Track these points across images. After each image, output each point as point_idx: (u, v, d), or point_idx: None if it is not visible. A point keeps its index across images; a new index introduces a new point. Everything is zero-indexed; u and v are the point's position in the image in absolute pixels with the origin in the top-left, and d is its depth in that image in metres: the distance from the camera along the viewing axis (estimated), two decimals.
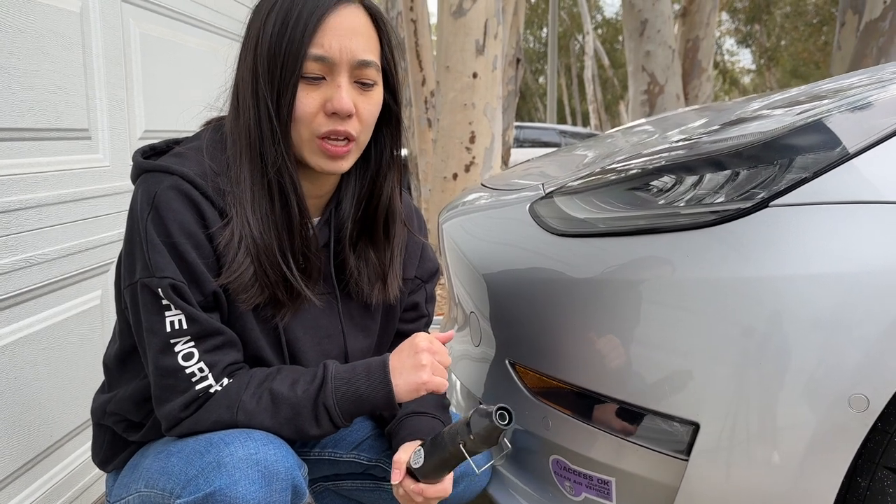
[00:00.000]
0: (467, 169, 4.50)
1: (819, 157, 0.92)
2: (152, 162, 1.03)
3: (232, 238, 1.03)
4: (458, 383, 1.73)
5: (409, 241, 1.28)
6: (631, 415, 1.00)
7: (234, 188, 1.03)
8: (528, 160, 2.04)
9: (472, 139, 4.50)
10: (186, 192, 1.00)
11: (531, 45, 28.05)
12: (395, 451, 1.18)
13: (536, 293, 1.17)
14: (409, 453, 1.09)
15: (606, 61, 23.54)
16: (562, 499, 1.16)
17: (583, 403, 1.07)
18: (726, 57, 27.12)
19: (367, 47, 1.03)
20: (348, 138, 1.03)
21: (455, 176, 4.52)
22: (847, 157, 0.89)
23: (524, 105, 27.93)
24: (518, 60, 7.44)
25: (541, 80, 28.79)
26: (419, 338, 1.05)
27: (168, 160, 1.03)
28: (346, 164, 1.06)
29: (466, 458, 0.99)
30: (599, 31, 25.88)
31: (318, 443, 1.31)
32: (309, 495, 1.42)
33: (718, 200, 0.98)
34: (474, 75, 4.34)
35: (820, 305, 0.83)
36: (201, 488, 0.95)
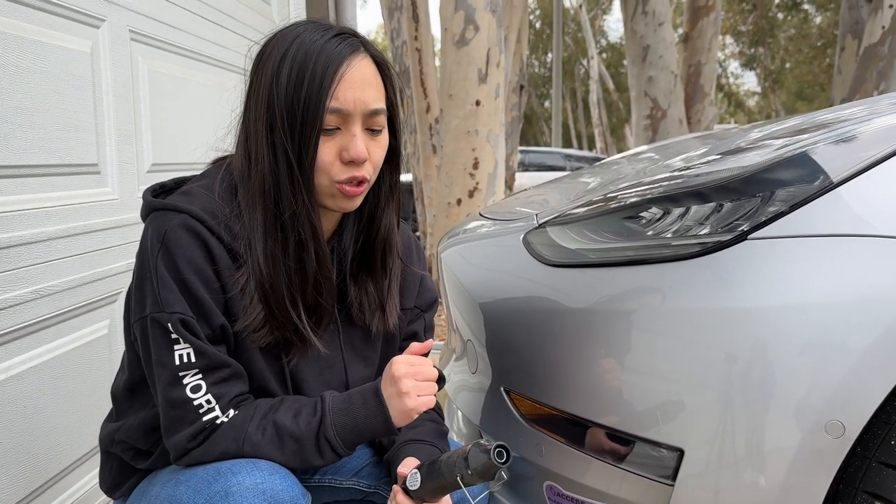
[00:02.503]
0: (471, 195, 4.56)
1: (797, 190, 0.95)
2: (162, 201, 1.08)
3: (245, 282, 1.07)
4: (459, 412, 1.76)
5: (408, 271, 1.32)
6: (620, 441, 1.03)
7: (246, 234, 1.08)
8: (532, 187, 2.09)
9: (476, 165, 4.56)
10: (195, 229, 1.05)
11: (536, 70, 28.30)
12: (393, 480, 1.21)
13: (530, 321, 1.21)
14: (408, 468, 1.12)
15: (611, 85, 23.71)
16: None
17: (574, 430, 1.10)
18: (731, 80, 27.26)
19: (377, 96, 1.07)
20: (362, 180, 1.08)
21: (459, 201, 4.57)
22: (824, 190, 0.92)
23: (530, 129, 28.10)
24: (522, 87, 7.53)
25: (546, 104, 28.98)
26: (395, 365, 1.08)
27: (177, 198, 1.08)
28: (358, 202, 1.12)
29: (462, 489, 1.01)
30: (604, 55, 26.10)
31: (318, 470, 1.34)
32: None
33: (703, 232, 1.01)
34: (477, 103, 4.40)
35: (796, 335, 0.86)
36: None
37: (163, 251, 1.03)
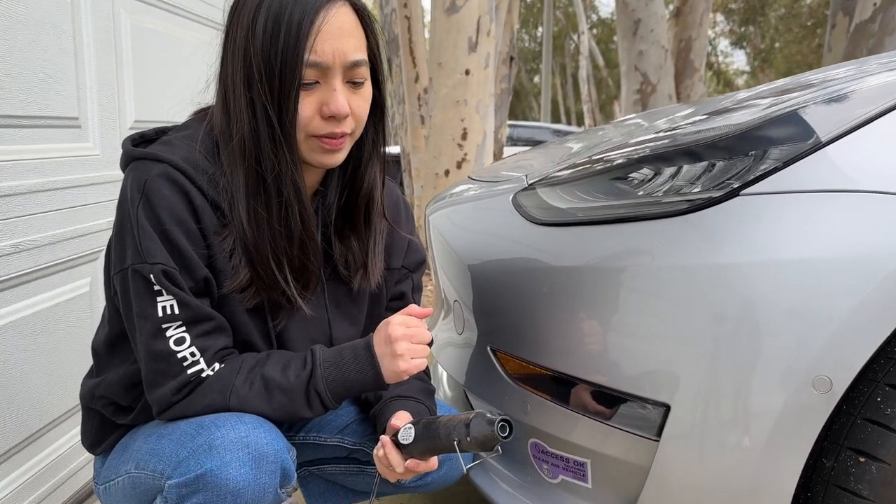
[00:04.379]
0: (459, 165, 4.53)
1: (791, 147, 0.94)
2: (142, 150, 1.05)
3: (232, 243, 1.05)
4: (444, 374, 1.76)
5: (396, 231, 1.30)
6: (606, 398, 1.03)
7: (229, 193, 1.05)
8: (519, 152, 2.07)
9: (465, 136, 4.53)
10: (176, 179, 1.02)
11: (526, 45, 28.08)
12: (379, 433, 1.21)
13: (518, 281, 1.20)
14: (402, 421, 1.11)
15: (601, 61, 23.60)
16: (540, 481, 1.18)
17: (561, 388, 1.10)
18: (720, 58, 27.20)
19: (357, 46, 1.03)
20: (343, 134, 1.05)
21: (447, 172, 4.54)
22: (817, 147, 0.91)
23: (519, 104, 27.98)
24: (512, 59, 7.46)
25: (536, 79, 28.83)
26: (392, 326, 1.07)
27: (158, 148, 1.05)
28: (341, 157, 1.09)
29: (457, 454, 1.01)
30: (594, 30, 25.93)
31: (302, 427, 1.33)
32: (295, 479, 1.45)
33: (695, 191, 1.00)
34: (467, 72, 4.36)
35: (787, 291, 0.86)
36: (192, 470, 0.98)
37: (143, 201, 1.01)
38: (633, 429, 0.99)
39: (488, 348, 1.27)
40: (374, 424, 1.27)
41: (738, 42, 24.11)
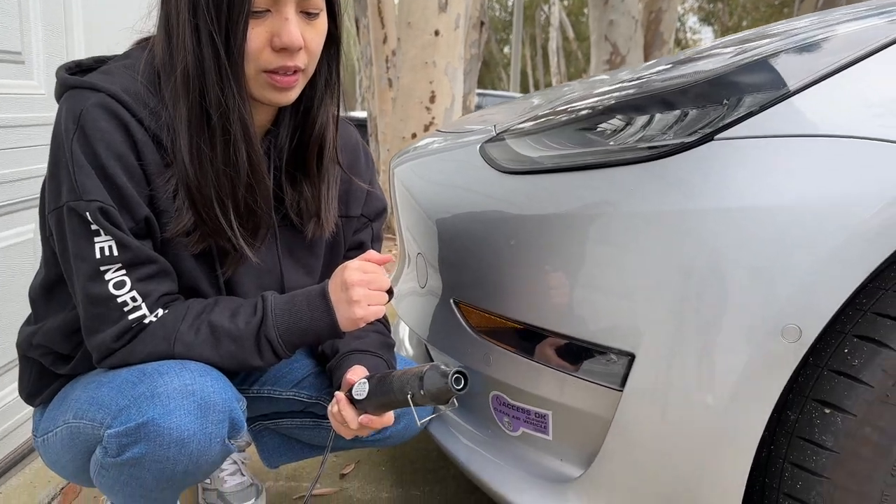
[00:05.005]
0: (426, 129, 4.46)
1: (766, 93, 0.91)
2: (78, 78, 0.97)
3: (173, 184, 0.99)
4: (406, 332, 1.72)
5: (355, 177, 1.25)
6: (570, 348, 1.00)
7: (172, 131, 0.98)
8: (484, 109, 2.02)
9: (433, 99, 4.45)
10: (114, 110, 0.95)
11: (497, 14, 27.82)
12: (335, 388, 1.17)
13: (484, 232, 1.16)
14: (357, 376, 1.07)
15: (571, 34, 23.51)
16: (500, 435, 1.16)
17: (524, 339, 1.07)
18: (689, 34, 27.31)
19: None
20: (296, 69, 0.99)
21: (414, 136, 4.47)
22: (794, 92, 0.88)
23: (488, 74, 27.79)
24: (482, 24, 7.36)
25: (505, 49, 28.63)
26: (348, 271, 1.02)
27: (95, 77, 0.98)
28: (293, 95, 1.02)
29: (410, 408, 0.97)
30: (565, 2, 25.78)
31: (257, 380, 1.29)
32: (247, 432, 1.40)
33: (668, 138, 0.97)
34: (436, 33, 4.27)
35: (759, 236, 0.83)
36: (133, 418, 0.92)
37: (79, 133, 0.94)
38: (596, 379, 0.97)
39: (451, 301, 1.23)
40: (330, 378, 1.23)
41: (706, 19, 24.20)
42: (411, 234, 1.48)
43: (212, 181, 0.99)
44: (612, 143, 1.04)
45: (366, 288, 1.01)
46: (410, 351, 1.59)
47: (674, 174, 0.92)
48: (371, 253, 1.06)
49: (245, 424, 1.05)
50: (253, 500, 1.46)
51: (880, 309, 0.85)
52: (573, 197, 1.02)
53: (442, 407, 1.30)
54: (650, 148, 0.96)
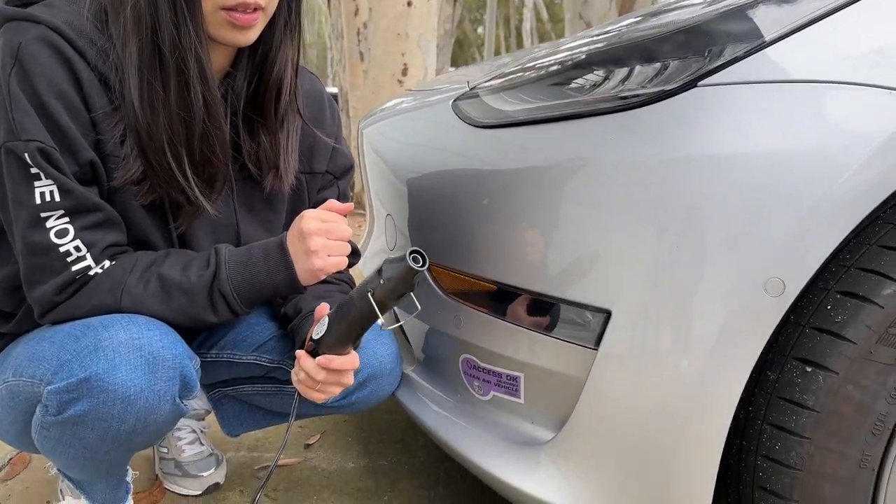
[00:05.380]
0: None
1: (750, 40, 0.87)
2: (18, 9, 0.90)
3: (121, 128, 0.92)
4: None
5: (319, 130, 1.19)
6: (544, 307, 0.96)
7: (120, 70, 0.91)
8: (453, 71, 1.97)
9: (405, 72, 4.38)
10: (56, 45, 0.88)
11: None
12: (298, 348, 1.12)
13: (455, 191, 1.11)
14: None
15: (545, 15, 23.41)
16: (470, 399, 1.12)
17: (496, 299, 1.02)
18: None
19: None
20: (257, 7, 0.93)
21: None
22: (780, 38, 0.84)
23: (462, 55, 27.62)
24: None
25: (479, 30, 28.45)
26: (305, 220, 0.96)
27: (37, 9, 0.90)
28: (253, 35, 0.96)
29: (377, 316, 0.91)
30: None
31: (215, 344, 1.23)
32: (206, 400, 1.35)
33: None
34: (409, 3, 4.19)
35: (742, 185, 0.80)
36: (75, 373, 0.86)
37: (17, 68, 0.86)
38: (571, 338, 0.93)
39: None
40: (293, 341, 1.17)
41: None
42: (380, 196, 1.43)
43: (164, 127, 0.92)
44: (589, 98, 1.00)
45: (324, 237, 0.96)
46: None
47: (654, 123, 0.87)
48: (331, 202, 1.00)
49: (198, 384, 0.99)
50: (212, 469, 1.40)
51: (865, 264, 0.83)
52: (549, 150, 0.97)
53: (404, 315, 1.24)
54: (630, 97, 0.91)
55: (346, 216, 1.01)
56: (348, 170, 1.27)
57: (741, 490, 0.92)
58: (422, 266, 0.88)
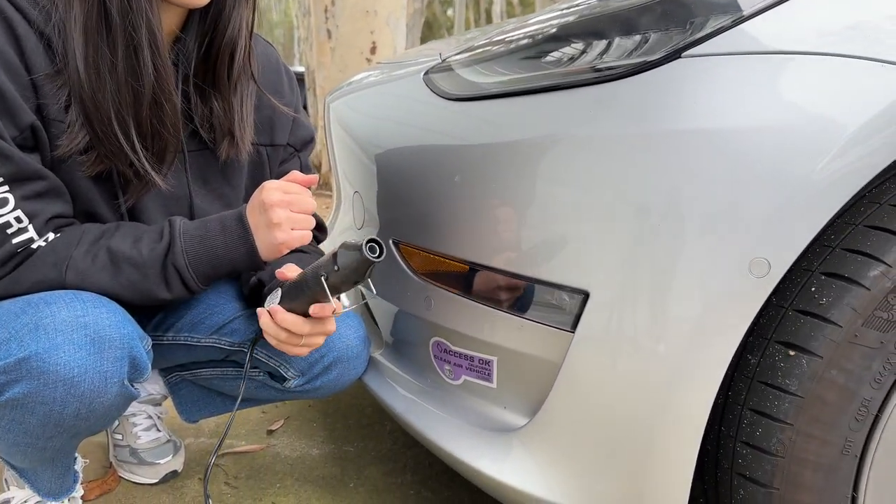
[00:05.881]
0: None
1: (731, 10, 0.83)
2: None
3: (65, 94, 0.85)
4: None
5: (278, 100, 1.14)
6: (518, 287, 0.92)
7: (64, 32, 0.84)
8: (425, 44, 1.91)
9: (374, 50, 4.29)
10: None
11: None
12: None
13: (426, 166, 1.06)
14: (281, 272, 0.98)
15: None
16: (440, 384, 1.07)
17: (469, 280, 0.98)
18: None
19: None
20: None
21: None
22: (768, 7, 0.81)
23: (431, 37, 27.40)
24: None
25: (449, 12, 28.25)
26: (266, 190, 0.91)
27: None
28: None
29: (329, 299, 0.87)
30: None
31: (172, 326, 1.17)
32: (161, 379, 1.29)
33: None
34: None
35: (726, 160, 0.76)
36: (13, 353, 0.80)
37: None
38: (547, 321, 0.89)
39: (390, 241, 1.13)
40: (256, 322, 1.12)
41: None
42: (347, 172, 1.37)
43: (111, 94, 0.86)
44: (567, 69, 0.95)
45: (287, 209, 0.90)
46: (345, 300, 1.49)
47: (636, 95, 0.83)
48: (294, 173, 0.95)
49: (150, 366, 0.93)
50: (170, 457, 1.34)
51: (850, 244, 0.80)
52: (525, 124, 0.93)
53: (363, 291, 1.19)
54: (610, 69, 0.87)
55: (310, 188, 0.96)
56: (309, 142, 1.22)
57: (719, 477, 0.89)
58: (378, 257, 0.84)
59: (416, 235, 1.07)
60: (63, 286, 0.85)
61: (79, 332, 0.80)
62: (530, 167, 0.90)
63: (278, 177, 1.13)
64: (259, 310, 0.96)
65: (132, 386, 0.88)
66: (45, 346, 0.78)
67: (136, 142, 0.89)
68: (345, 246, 0.85)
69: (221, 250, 0.90)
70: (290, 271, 0.96)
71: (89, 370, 0.80)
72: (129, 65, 0.86)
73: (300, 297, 0.91)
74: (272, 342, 0.98)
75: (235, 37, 0.97)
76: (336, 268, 0.85)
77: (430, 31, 26.20)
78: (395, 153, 1.15)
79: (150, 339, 0.93)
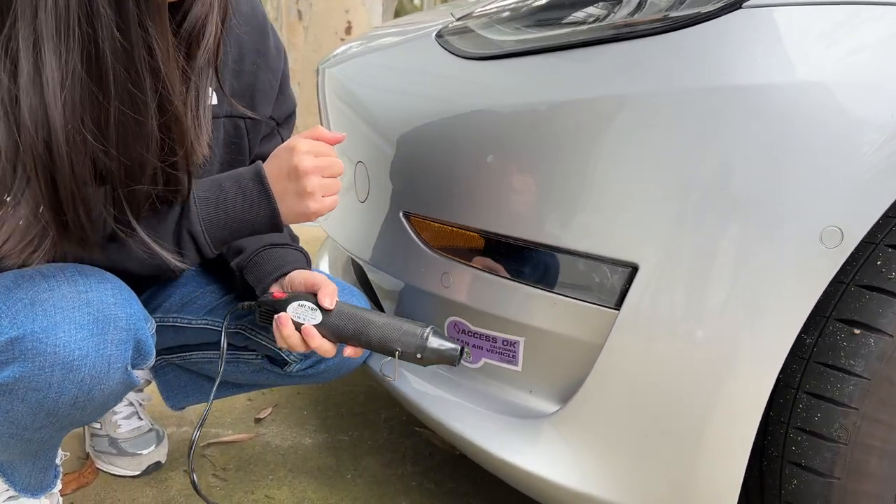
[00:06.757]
0: None
1: None
2: None
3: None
4: (327, 255, 1.53)
5: (264, 65, 1.03)
6: (553, 261, 0.84)
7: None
8: (408, 16, 1.81)
9: (349, 30, 4.17)
10: None
11: None
12: (261, 291, 0.98)
13: (442, 131, 0.98)
14: (302, 283, 0.93)
15: None
16: (457, 368, 0.99)
17: (494, 253, 0.90)
18: None
19: None
20: None
21: None
22: None
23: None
24: None
25: (416, 0, 27.99)
26: (299, 154, 0.82)
27: None
28: None
29: (391, 355, 0.89)
30: None
31: (159, 306, 1.07)
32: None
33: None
34: None
35: (795, 119, 0.69)
36: (5, 331, 0.70)
37: None
38: (587, 297, 0.82)
39: (400, 214, 1.04)
40: (240, 280, 1.03)
41: None
42: (345, 143, 1.28)
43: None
44: (611, 20, 0.87)
45: (319, 175, 0.82)
46: (341, 275, 1.40)
47: (691, 48, 0.76)
48: (319, 129, 0.86)
49: (154, 351, 0.84)
50: (152, 447, 1.24)
51: None
52: (563, 80, 0.85)
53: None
54: (658, 20, 0.80)
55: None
56: (291, 115, 1.12)
57: (765, 466, 0.83)
58: (459, 361, 0.88)
59: (431, 206, 0.99)
60: (63, 260, 0.75)
61: (81, 309, 0.70)
62: (569, 128, 0.82)
63: (260, 157, 1.02)
64: (283, 317, 0.88)
65: (134, 373, 0.78)
66: (42, 324, 0.68)
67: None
68: (436, 335, 0.87)
69: (240, 213, 0.81)
70: (301, 279, 0.94)
71: (91, 353, 0.70)
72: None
73: (341, 334, 0.89)
74: (279, 343, 0.90)
75: (205, 16, 0.78)
76: (419, 356, 0.86)
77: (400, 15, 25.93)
78: (405, 119, 1.06)
79: (154, 322, 0.83)
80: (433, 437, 1.39)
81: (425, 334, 0.87)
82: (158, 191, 0.76)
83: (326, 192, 0.84)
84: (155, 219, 0.80)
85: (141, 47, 0.67)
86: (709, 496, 0.78)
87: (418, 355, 0.86)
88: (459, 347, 0.87)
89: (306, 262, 1.02)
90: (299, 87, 4.63)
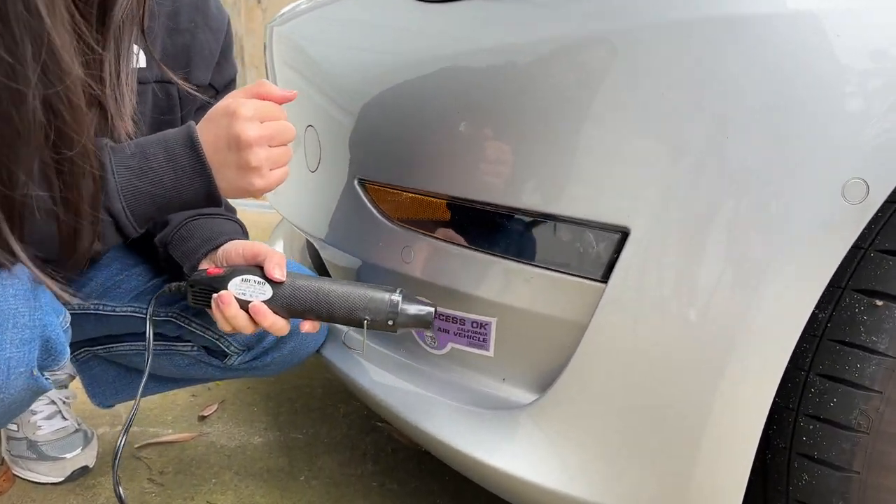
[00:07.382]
0: None
1: None
2: None
3: None
4: (281, 235, 1.41)
5: (204, 25, 0.91)
6: (531, 228, 0.73)
7: None
8: None
9: None
10: None
11: None
12: (190, 269, 0.85)
13: (404, 87, 0.86)
14: (241, 256, 0.81)
15: None
16: (420, 355, 0.88)
17: (461, 223, 0.79)
18: None
19: None
20: None
21: None
22: None
23: None
24: None
25: None
26: (240, 120, 0.68)
27: None
28: None
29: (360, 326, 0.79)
30: None
31: (79, 292, 0.93)
32: (69, 362, 1.04)
33: None
34: None
35: (819, 51, 0.59)
36: None
37: None
38: (567, 269, 0.71)
39: (355, 181, 0.92)
40: (166, 256, 0.90)
41: None
42: (295, 103, 1.15)
43: None
44: None
45: (266, 146, 0.69)
46: (297, 258, 1.28)
47: None
48: (264, 84, 0.73)
49: (66, 350, 0.70)
50: (78, 450, 1.11)
51: None
52: (539, 21, 0.74)
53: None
54: None
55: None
56: (231, 82, 1.00)
57: (769, 459, 0.73)
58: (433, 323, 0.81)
59: (392, 173, 0.87)
60: None
61: None
62: (545, 74, 0.71)
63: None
64: (225, 296, 0.75)
65: (43, 375, 0.65)
66: None
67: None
68: (407, 299, 0.79)
69: (168, 186, 0.68)
70: (236, 252, 0.81)
71: None
72: None
73: (297, 309, 0.79)
74: (223, 327, 0.77)
75: None
76: (391, 322, 0.78)
77: None
78: (361, 76, 0.94)
79: (68, 314, 0.70)
80: (396, 433, 1.28)
81: (396, 299, 0.78)
82: (49, 198, 0.62)
83: (274, 164, 0.72)
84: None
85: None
86: (709, 495, 0.68)
87: (390, 322, 0.77)
88: (433, 308, 0.79)
89: (243, 233, 0.90)
90: (257, 71, 4.47)
